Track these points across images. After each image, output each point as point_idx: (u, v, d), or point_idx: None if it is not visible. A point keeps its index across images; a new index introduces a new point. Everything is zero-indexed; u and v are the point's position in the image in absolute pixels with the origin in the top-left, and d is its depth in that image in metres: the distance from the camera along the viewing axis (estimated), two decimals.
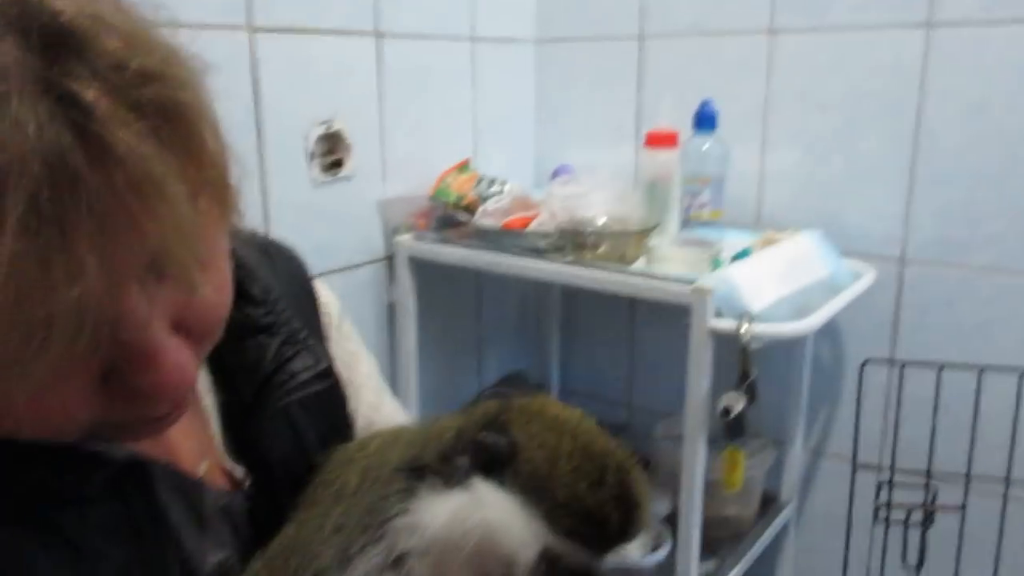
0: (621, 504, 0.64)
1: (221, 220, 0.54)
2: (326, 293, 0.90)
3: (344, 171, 1.58)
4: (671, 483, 1.51)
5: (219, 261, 0.56)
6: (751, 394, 1.29)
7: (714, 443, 1.40)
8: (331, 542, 0.64)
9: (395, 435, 0.73)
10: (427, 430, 0.70)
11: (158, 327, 0.50)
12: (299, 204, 1.52)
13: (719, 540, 1.65)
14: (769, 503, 1.80)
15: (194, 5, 1.28)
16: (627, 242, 1.42)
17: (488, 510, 0.62)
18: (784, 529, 1.82)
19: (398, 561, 0.63)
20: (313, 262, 1.73)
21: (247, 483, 0.73)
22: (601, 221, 1.51)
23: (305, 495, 0.71)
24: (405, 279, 1.67)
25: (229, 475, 0.73)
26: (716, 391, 1.32)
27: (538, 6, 1.97)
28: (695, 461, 1.34)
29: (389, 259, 1.71)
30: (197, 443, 0.72)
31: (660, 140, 1.56)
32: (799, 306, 1.42)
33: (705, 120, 1.46)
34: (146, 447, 0.67)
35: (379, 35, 1.61)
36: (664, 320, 1.85)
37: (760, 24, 1.69)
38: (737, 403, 1.27)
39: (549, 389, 2.14)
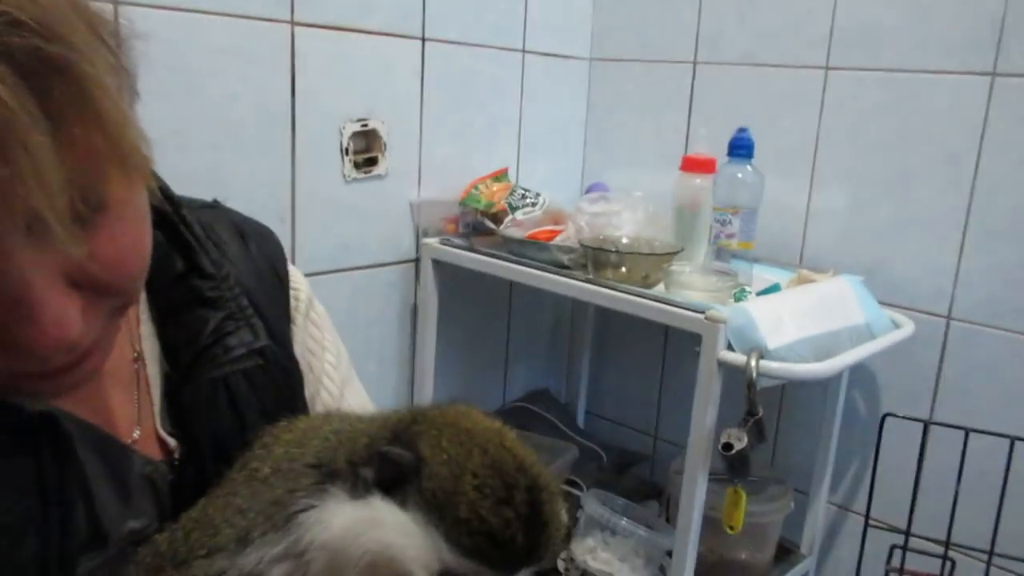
0: (527, 525, 0.60)
1: (126, 182, 0.54)
2: (299, 278, 0.90)
3: (377, 170, 1.59)
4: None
5: (125, 222, 0.55)
6: (757, 433, 1.23)
7: (726, 483, 1.35)
8: (233, 522, 0.63)
9: (322, 422, 0.72)
10: (353, 428, 0.69)
11: (42, 282, 0.49)
12: (329, 198, 1.53)
13: None
14: (787, 554, 1.72)
15: None
16: (648, 264, 1.38)
17: (383, 530, 0.60)
18: None
19: (296, 555, 0.61)
20: (338, 257, 1.76)
21: (176, 454, 0.73)
22: (625, 241, 1.48)
23: (228, 473, 0.71)
24: (429, 282, 1.66)
25: (163, 445, 0.73)
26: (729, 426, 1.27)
27: (594, 25, 1.95)
28: (693, 495, 1.28)
29: (417, 261, 1.71)
30: (136, 411, 0.73)
31: (696, 165, 1.52)
32: (824, 349, 1.35)
33: (740, 148, 1.42)
34: (80, 409, 0.67)
35: (425, 39, 1.62)
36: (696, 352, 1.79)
37: (817, 59, 1.63)
38: (739, 440, 1.21)
39: (575, 411, 2.10)
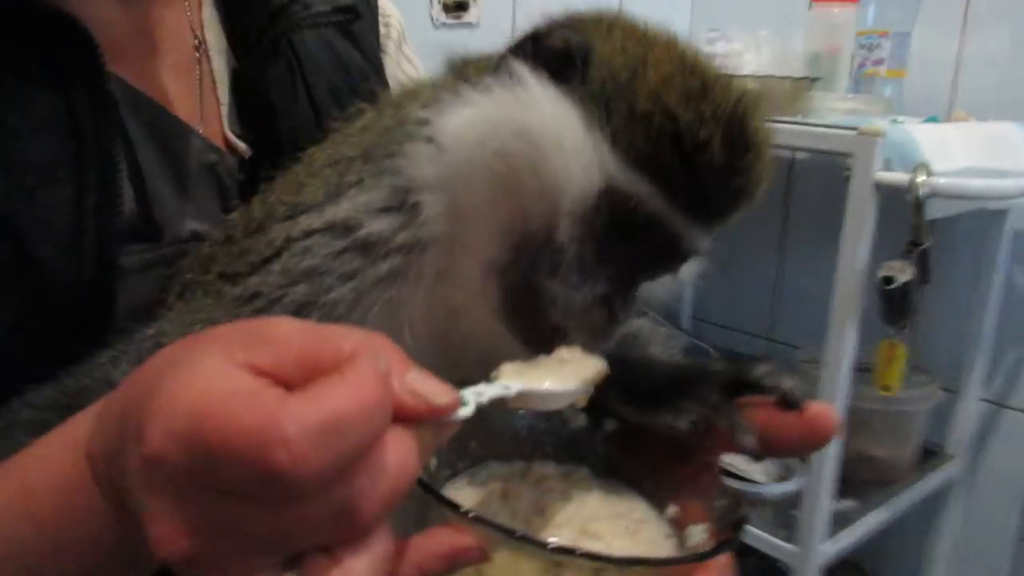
0: (729, 131, 0.45)
1: None
2: (391, 9, 0.76)
3: (468, 17, 1.44)
4: None
5: None
6: (922, 268, 1.04)
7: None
8: (323, 174, 0.49)
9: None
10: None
11: None
12: (414, 42, 1.39)
13: (863, 482, 1.38)
14: (931, 455, 1.50)
15: None
16: (780, 92, 1.19)
17: (536, 114, 0.44)
18: (947, 487, 1.51)
19: (403, 202, 0.46)
20: None
21: (247, 155, 0.59)
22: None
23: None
24: None
25: (232, 151, 0.60)
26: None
27: None
28: (840, 352, 1.09)
29: None
30: (199, 105, 0.60)
31: None
32: (996, 185, 1.14)
33: None
34: (136, 80, 0.55)
35: None
36: (819, 241, 1.58)
37: None
38: (902, 272, 1.02)
39: (677, 315, 1.91)
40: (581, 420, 0.51)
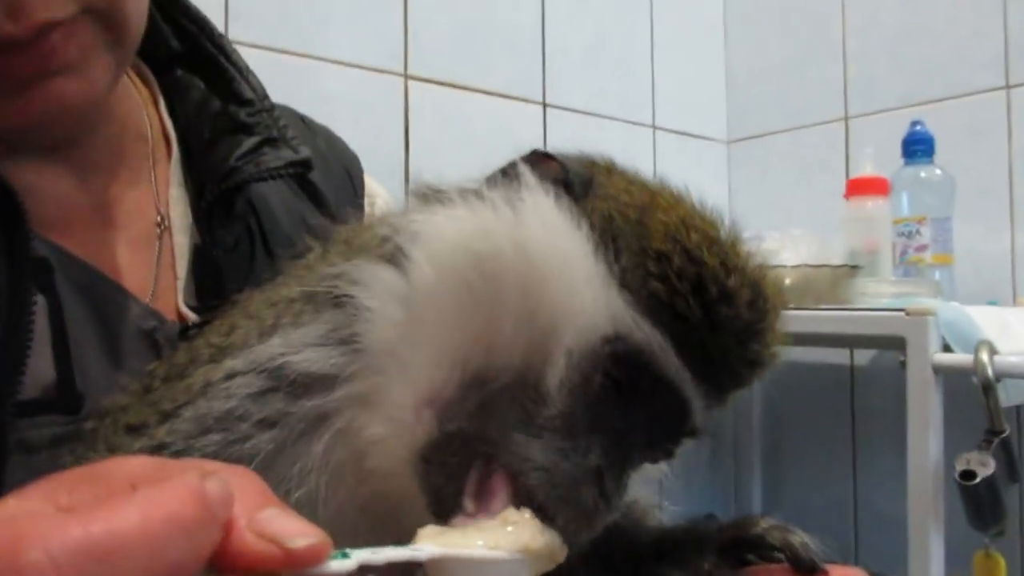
0: (755, 284, 0.39)
1: None
2: (379, 191, 0.76)
3: None
4: None
5: None
6: (1006, 459, 0.90)
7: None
8: (258, 315, 0.43)
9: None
10: None
11: None
12: None
13: None
14: None
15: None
16: (820, 281, 1.13)
17: (540, 226, 0.38)
18: None
19: (341, 329, 0.40)
20: None
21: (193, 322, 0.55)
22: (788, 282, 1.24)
23: None
24: None
25: (183, 319, 0.56)
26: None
27: (728, 105, 1.84)
28: (927, 559, 0.93)
29: None
30: (154, 280, 0.58)
31: (865, 187, 1.29)
32: None
33: (918, 144, 1.19)
34: (81, 250, 0.52)
35: (547, 105, 1.54)
36: (893, 452, 1.44)
37: (995, 79, 1.42)
38: (982, 466, 0.88)
39: None
40: None
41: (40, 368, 0.46)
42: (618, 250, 0.39)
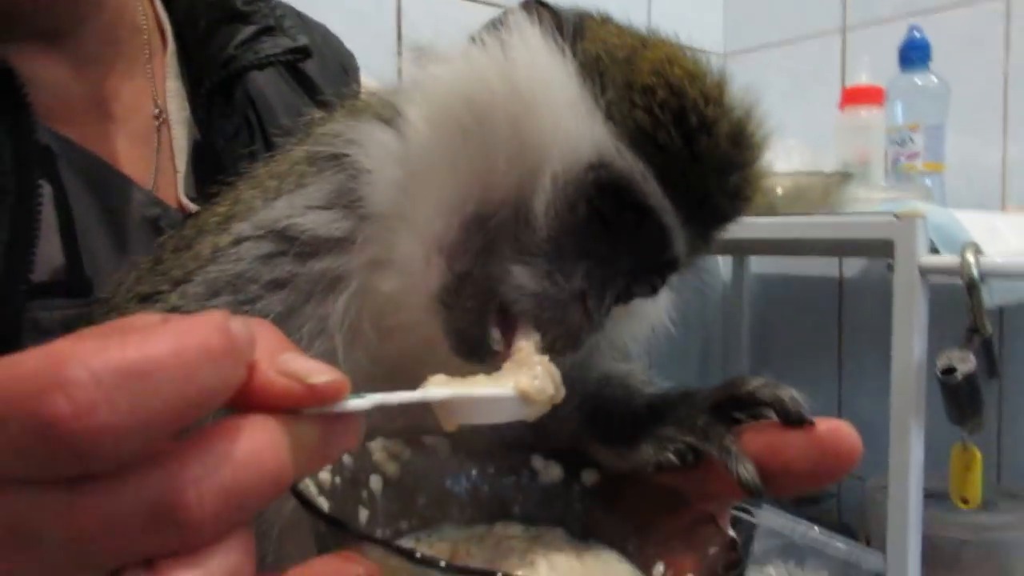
0: (736, 118, 0.42)
1: None
2: (372, 83, 0.75)
3: None
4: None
5: None
6: (986, 357, 0.93)
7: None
8: (264, 184, 0.45)
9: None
10: None
11: None
12: None
13: None
14: None
15: None
16: (813, 188, 1.14)
17: (527, 60, 0.40)
18: None
19: (344, 191, 0.42)
20: None
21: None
22: (780, 191, 1.25)
23: None
24: None
25: (184, 211, 0.58)
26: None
27: (725, 17, 1.81)
28: (905, 464, 0.96)
29: None
30: (154, 172, 0.59)
31: (860, 96, 1.29)
32: None
33: (914, 50, 1.18)
34: (84, 141, 0.53)
35: None
36: (877, 361, 1.47)
37: None
38: (963, 363, 0.91)
39: None
40: (554, 473, 0.43)
41: (49, 253, 0.48)
42: (605, 85, 0.40)
